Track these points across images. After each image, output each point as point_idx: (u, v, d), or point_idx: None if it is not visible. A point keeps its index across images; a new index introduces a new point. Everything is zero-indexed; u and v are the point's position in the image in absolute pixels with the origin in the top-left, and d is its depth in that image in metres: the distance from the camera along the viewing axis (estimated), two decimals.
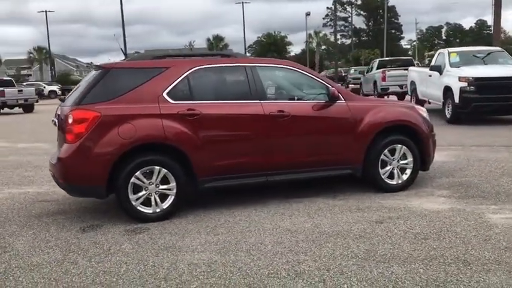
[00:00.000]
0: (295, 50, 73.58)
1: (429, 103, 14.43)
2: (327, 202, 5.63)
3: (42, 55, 66.70)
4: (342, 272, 3.69)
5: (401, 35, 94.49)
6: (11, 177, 7.91)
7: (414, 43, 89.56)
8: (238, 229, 4.80)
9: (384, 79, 20.36)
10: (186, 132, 5.12)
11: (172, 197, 5.15)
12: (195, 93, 5.33)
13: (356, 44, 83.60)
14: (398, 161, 5.98)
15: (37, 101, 27.75)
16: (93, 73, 5.36)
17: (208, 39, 68.67)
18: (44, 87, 52.49)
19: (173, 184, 5.13)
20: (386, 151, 5.89)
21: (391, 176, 5.98)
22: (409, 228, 4.64)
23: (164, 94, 5.15)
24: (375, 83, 21.49)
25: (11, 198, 6.42)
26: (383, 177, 5.92)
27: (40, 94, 47.25)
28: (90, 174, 4.92)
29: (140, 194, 5.05)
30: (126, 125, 4.96)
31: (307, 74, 5.85)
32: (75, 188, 5.05)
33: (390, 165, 5.95)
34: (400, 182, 6.00)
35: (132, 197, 5.01)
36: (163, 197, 5.15)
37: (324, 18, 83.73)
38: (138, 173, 5.01)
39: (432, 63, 14.64)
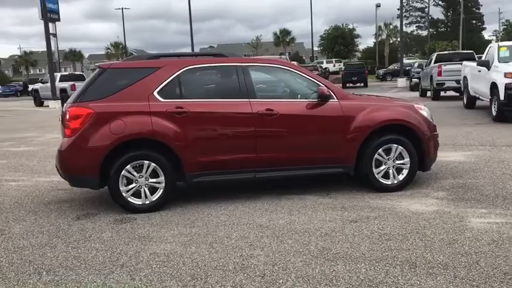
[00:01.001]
0: (366, 42, 71.84)
1: (481, 100, 13.89)
2: (316, 200, 5.71)
3: (118, 50, 69.91)
4: (285, 268, 3.81)
5: (483, 26, 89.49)
6: (46, 166, 8.59)
7: (499, 34, 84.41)
8: (215, 223, 5.01)
9: (439, 74, 19.61)
10: (173, 129, 5.39)
11: (161, 190, 5.45)
12: (184, 92, 5.59)
13: (434, 36, 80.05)
14: (394, 161, 5.92)
15: None
16: (94, 72, 5.76)
17: (275, 33, 68.86)
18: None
19: (162, 178, 5.43)
20: (381, 150, 5.85)
21: (386, 175, 5.93)
22: (380, 229, 4.64)
23: (155, 93, 5.45)
24: (431, 77, 20.75)
25: (34, 186, 7.02)
26: (377, 176, 5.89)
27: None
28: (84, 166, 5.33)
29: (130, 186, 5.39)
30: (117, 122, 5.31)
31: (301, 73, 5.93)
32: (72, 178, 5.49)
33: (385, 164, 5.90)
34: (395, 182, 5.94)
35: (122, 188, 5.36)
36: (153, 189, 5.46)
37: (398, 9, 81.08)
38: (128, 167, 5.35)
39: (483, 58, 13.99)
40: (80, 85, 23.90)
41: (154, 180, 5.44)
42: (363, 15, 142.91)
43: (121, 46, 68.33)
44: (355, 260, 3.93)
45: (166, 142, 5.39)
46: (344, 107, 5.80)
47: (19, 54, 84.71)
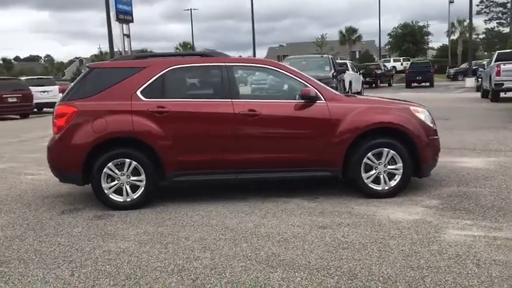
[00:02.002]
0: (441, 40, 68.50)
1: None
2: (299, 203, 5.56)
3: (187, 50, 71.73)
4: (221, 273, 3.74)
5: None
6: None
7: None
8: (184, 223, 5.01)
9: (498, 73, 18.46)
10: (154, 128, 5.45)
11: (142, 189, 5.53)
12: (167, 92, 5.63)
13: None
14: (385, 166, 5.64)
15: None
16: (83, 72, 5.94)
17: (341, 32, 67.78)
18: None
19: (143, 176, 5.51)
20: (370, 155, 5.60)
21: (377, 181, 5.67)
22: (343, 237, 4.44)
23: (138, 92, 5.53)
24: (490, 77, 19.59)
25: (45, 180, 7.35)
26: (366, 181, 5.65)
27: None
28: (68, 162, 5.53)
29: (112, 183, 5.51)
30: (99, 120, 5.45)
31: (288, 73, 5.79)
32: (59, 174, 5.70)
33: (376, 169, 5.64)
34: (386, 188, 5.66)
35: (105, 185, 5.50)
36: (134, 187, 5.55)
37: (478, 5, 76.93)
38: (110, 164, 5.47)
39: None
40: None
41: (135, 178, 5.52)
42: (439, 12, 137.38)
43: (189, 46, 70.00)
44: (297, 268, 3.78)
45: (146, 141, 5.45)
46: (331, 108, 5.60)
47: (96, 53, 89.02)
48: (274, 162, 5.60)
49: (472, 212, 5.06)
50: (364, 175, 5.64)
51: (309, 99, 5.55)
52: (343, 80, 18.57)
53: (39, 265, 4.03)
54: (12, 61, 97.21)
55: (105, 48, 63.87)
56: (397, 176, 5.66)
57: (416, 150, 5.65)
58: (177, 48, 72.61)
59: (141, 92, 5.54)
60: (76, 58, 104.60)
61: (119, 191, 5.54)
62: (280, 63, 5.95)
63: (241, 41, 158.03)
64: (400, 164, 5.63)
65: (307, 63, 16.18)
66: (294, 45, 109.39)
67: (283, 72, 5.79)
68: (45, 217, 5.42)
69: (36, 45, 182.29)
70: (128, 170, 5.49)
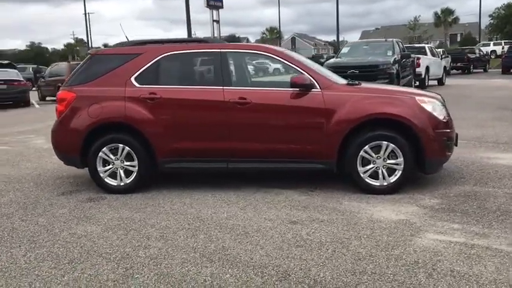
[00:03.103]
0: None
1: None
2: (290, 196, 5.35)
3: (273, 35, 71.88)
4: (157, 264, 3.70)
5: None
6: None
7: None
8: (162, 211, 5.01)
9: None
10: (145, 114, 5.48)
11: (135, 174, 5.61)
12: (160, 78, 5.63)
13: None
14: (384, 160, 5.24)
15: None
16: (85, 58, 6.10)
17: (436, 13, 64.00)
18: (270, 65, 56.36)
19: (136, 162, 5.58)
20: (367, 148, 5.23)
21: (375, 176, 5.29)
22: (307, 234, 4.20)
23: (132, 78, 5.59)
24: None
25: None
26: (363, 176, 5.29)
27: (265, 72, 51.44)
28: (67, 145, 5.74)
29: (107, 167, 5.65)
30: (95, 105, 5.59)
31: (284, 60, 5.53)
32: (61, 157, 5.93)
33: (374, 163, 5.26)
34: (385, 184, 5.27)
35: (100, 169, 5.65)
36: (128, 172, 5.64)
37: None
38: (105, 149, 5.60)
39: None
40: None
41: (128, 163, 5.61)
42: None
43: (275, 31, 70.04)
44: (235, 264, 3.64)
45: (137, 127, 5.51)
46: (326, 97, 5.29)
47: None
48: (266, 153, 5.42)
49: (469, 214, 4.56)
50: (360, 169, 5.28)
51: (301, 87, 5.27)
52: (414, 65, 17.56)
53: (3, 243, 4.23)
54: (107, 45, 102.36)
55: (200, 34, 65.63)
56: (397, 171, 5.24)
57: (420, 144, 5.18)
58: (263, 34, 72.99)
59: (135, 79, 5.59)
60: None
61: (113, 175, 5.66)
62: (276, 48, 5.68)
63: (339, 24, 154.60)
64: (400, 159, 5.20)
65: (369, 47, 15.49)
66: (389, 28, 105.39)
67: (279, 58, 5.54)
68: (44, 197, 5.68)
69: (140, 32, 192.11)
70: (121, 155, 5.59)
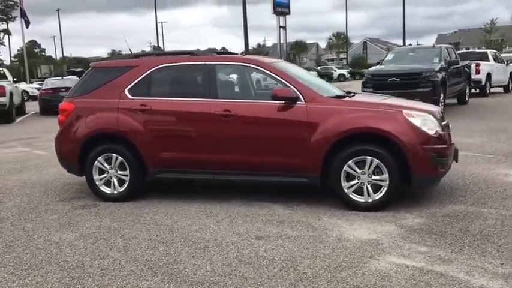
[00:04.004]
0: None
1: None
2: (273, 210, 5.29)
3: (339, 40, 71.05)
4: (95, 274, 3.79)
5: None
6: None
7: None
8: (139, 221, 5.11)
9: None
10: (136, 125, 5.64)
11: (127, 183, 5.79)
12: (152, 90, 5.76)
13: None
14: (369, 176, 5.06)
15: None
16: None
17: None
18: (335, 70, 55.57)
19: (128, 171, 5.76)
20: (351, 163, 5.07)
21: (360, 191, 5.13)
22: (265, 251, 4.15)
23: (125, 90, 5.77)
24: None
25: None
26: (347, 191, 5.14)
27: (329, 78, 50.92)
28: (67, 153, 6.02)
29: (102, 176, 5.87)
30: (91, 116, 5.83)
31: (270, 73, 5.48)
32: (62, 164, 6.22)
33: (358, 179, 5.10)
34: (370, 200, 5.08)
35: (96, 177, 5.88)
36: (121, 181, 5.83)
37: None
38: (100, 158, 5.82)
39: None
40: None
41: (121, 172, 5.80)
42: None
43: (342, 36, 69.18)
44: (174, 278, 3.67)
45: (129, 137, 5.68)
46: (310, 110, 5.19)
47: (253, 47, 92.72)
48: (250, 165, 5.40)
49: (445, 237, 4.30)
50: (344, 184, 5.13)
51: (282, 100, 5.21)
52: (469, 73, 16.72)
53: None
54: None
55: (271, 40, 65.91)
56: (383, 188, 5.04)
57: (406, 160, 4.95)
58: (330, 39, 72.25)
59: (129, 90, 5.77)
60: (254, 48, 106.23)
61: (108, 184, 5.86)
62: (263, 60, 5.63)
63: (414, 28, 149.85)
64: (385, 175, 4.99)
65: (414, 54, 14.90)
66: (466, 32, 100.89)
67: (264, 70, 5.51)
68: (44, 203, 5.98)
69: (215, 39, 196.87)
70: (115, 164, 5.78)
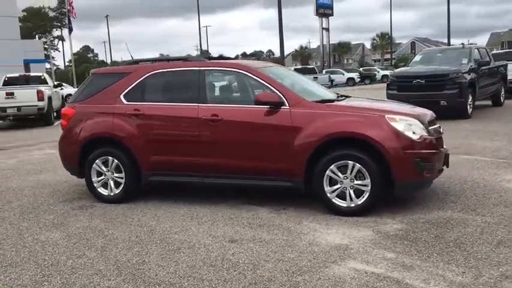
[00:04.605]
0: None
1: None
2: (259, 213, 5.35)
3: (384, 40, 69.80)
4: (61, 271, 3.97)
5: None
6: None
7: None
8: (128, 221, 5.29)
9: None
10: (129, 129, 5.84)
11: (122, 185, 6.00)
12: (145, 96, 5.95)
13: None
14: (351, 181, 5.04)
15: (330, 87, 30.20)
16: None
17: None
18: (378, 71, 54.45)
19: (123, 174, 5.97)
20: (334, 167, 5.07)
21: (343, 196, 5.12)
22: (232, 254, 4.21)
23: (121, 96, 5.99)
24: None
25: None
26: (329, 196, 5.14)
27: (372, 79, 50.15)
28: (68, 156, 6.30)
29: (100, 178, 6.10)
30: (89, 121, 6.07)
31: (257, 78, 5.53)
32: (65, 166, 6.50)
33: (341, 183, 5.09)
34: (352, 205, 5.06)
35: (94, 179, 6.12)
36: (118, 183, 6.05)
37: None
38: (98, 161, 6.06)
39: None
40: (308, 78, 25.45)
41: (117, 175, 6.01)
42: None
43: (387, 36, 67.96)
44: (135, 279, 3.79)
45: (123, 141, 5.88)
46: (294, 115, 5.22)
47: (296, 49, 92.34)
48: (237, 169, 5.47)
49: (417, 244, 4.24)
50: (327, 189, 5.13)
51: (265, 104, 5.27)
52: (505, 74, 16.12)
53: None
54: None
55: (316, 42, 65.70)
56: (365, 193, 5.00)
57: (387, 165, 4.90)
58: (373, 39, 71.13)
59: (124, 96, 5.97)
60: (296, 50, 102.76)
61: (105, 186, 6.09)
62: (250, 66, 5.68)
63: (466, 26, 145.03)
64: (367, 180, 4.96)
65: (443, 55, 14.50)
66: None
67: (250, 75, 5.57)
68: (47, 203, 6.27)
69: (263, 41, 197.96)
70: (111, 167, 6.00)
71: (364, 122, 5.02)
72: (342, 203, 5.09)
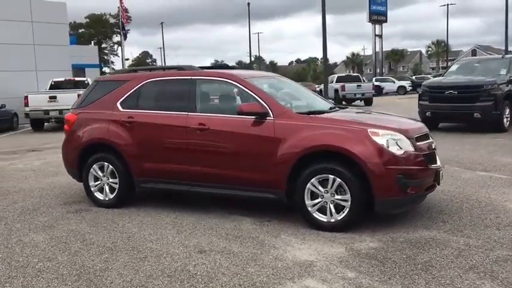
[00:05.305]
0: None
1: None
2: (241, 224, 5.32)
3: (439, 48, 67.71)
4: (23, 273, 4.09)
5: None
6: None
7: None
8: (111, 227, 5.37)
9: None
10: (123, 136, 5.97)
11: (117, 190, 6.13)
12: (139, 103, 6.05)
13: None
14: (332, 195, 4.93)
15: (374, 95, 29.62)
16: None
17: None
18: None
19: (117, 179, 6.10)
20: (315, 180, 4.97)
21: (323, 210, 5.00)
22: (194, 266, 4.20)
23: (118, 103, 6.13)
24: None
25: None
26: (310, 210, 5.03)
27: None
28: (69, 160, 6.51)
29: (97, 183, 6.26)
30: (88, 127, 6.25)
31: (244, 88, 5.50)
32: (67, 169, 6.70)
33: (321, 198, 4.98)
34: (332, 220, 4.94)
35: (91, 184, 6.29)
36: (113, 189, 6.18)
37: None
38: (94, 166, 6.23)
39: None
40: (350, 86, 25.27)
41: (112, 180, 6.14)
42: None
43: (443, 44, 65.89)
44: (88, 284, 3.85)
45: (117, 147, 6.01)
46: (277, 126, 5.16)
47: (348, 56, 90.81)
48: (223, 179, 5.46)
49: (384, 265, 4.08)
50: (308, 202, 5.03)
51: (247, 115, 5.25)
52: None
53: None
54: (275, 64, 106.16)
55: (370, 48, 64.82)
56: (345, 208, 4.86)
57: (367, 180, 4.74)
58: (429, 47, 69.13)
59: (120, 103, 6.11)
60: (348, 57, 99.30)
61: (102, 190, 6.24)
62: (238, 76, 5.65)
63: None
64: (348, 195, 4.82)
65: (480, 65, 13.86)
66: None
67: (239, 85, 5.55)
68: (47, 205, 6.48)
69: (318, 47, 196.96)
70: (106, 172, 6.14)
71: (345, 135, 4.88)
72: (323, 218, 4.97)
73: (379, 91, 42.60)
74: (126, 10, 44.20)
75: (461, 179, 7.08)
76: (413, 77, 55.40)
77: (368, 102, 28.89)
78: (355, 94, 28.71)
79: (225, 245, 4.67)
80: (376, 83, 44.32)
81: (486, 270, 3.85)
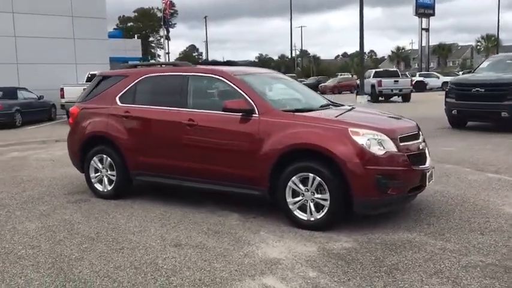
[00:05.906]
0: None
1: None
2: (227, 220, 5.38)
3: (490, 43, 65.22)
4: (3, 260, 4.30)
5: None
6: None
7: None
8: (102, 218, 5.55)
9: None
10: (120, 130, 6.14)
11: (114, 183, 6.32)
12: (136, 98, 6.19)
13: None
14: (312, 194, 4.92)
15: (412, 91, 28.93)
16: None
17: None
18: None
19: (115, 172, 6.29)
20: (295, 178, 4.97)
21: (304, 209, 5.00)
22: (163, 260, 4.30)
23: (116, 98, 6.30)
24: None
25: None
26: (291, 208, 5.04)
27: None
28: (73, 153, 6.75)
29: (96, 174, 6.48)
30: (89, 120, 6.47)
31: (232, 84, 5.53)
32: (72, 160, 6.95)
33: (302, 196, 4.98)
34: (312, 219, 4.93)
35: (92, 175, 6.51)
36: (111, 181, 6.38)
37: None
38: (95, 158, 6.44)
39: None
40: (387, 81, 24.82)
41: (111, 172, 6.34)
42: None
43: (493, 38, 63.41)
44: (57, 272, 4.02)
45: (114, 141, 6.19)
46: (261, 124, 5.19)
47: (393, 50, 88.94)
48: (210, 174, 5.54)
49: (349, 266, 4.05)
50: (289, 200, 5.03)
51: (232, 112, 5.30)
52: None
53: None
54: (318, 57, 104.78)
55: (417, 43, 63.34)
56: (325, 207, 4.84)
57: (346, 180, 4.70)
58: (478, 41, 66.69)
59: (119, 98, 6.28)
60: (393, 52, 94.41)
61: (101, 182, 6.45)
62: (228, 72, 5.67)
63: None
64: (327, 194, 4.80)
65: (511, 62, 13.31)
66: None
67: (227, 82, 5.59)
68: (51, 194, 6.75)
69: (368, 41, 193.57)
70: (105, 164, 6.34)
71: (325, 134, 4.84)
72: (303, 216, 4.96)
73: (422, 86, 41.57)
74: (172, 4, 44.90)
75: (466, 181, 6.87)
76: (461, 73, 53.67)
77: (406, 98, 28.29)
78: (392, 90, 28.16)
79: (201, 240, 4.74)
80: (420, 79, 43.26)
81: (451, 276, 3.75)
